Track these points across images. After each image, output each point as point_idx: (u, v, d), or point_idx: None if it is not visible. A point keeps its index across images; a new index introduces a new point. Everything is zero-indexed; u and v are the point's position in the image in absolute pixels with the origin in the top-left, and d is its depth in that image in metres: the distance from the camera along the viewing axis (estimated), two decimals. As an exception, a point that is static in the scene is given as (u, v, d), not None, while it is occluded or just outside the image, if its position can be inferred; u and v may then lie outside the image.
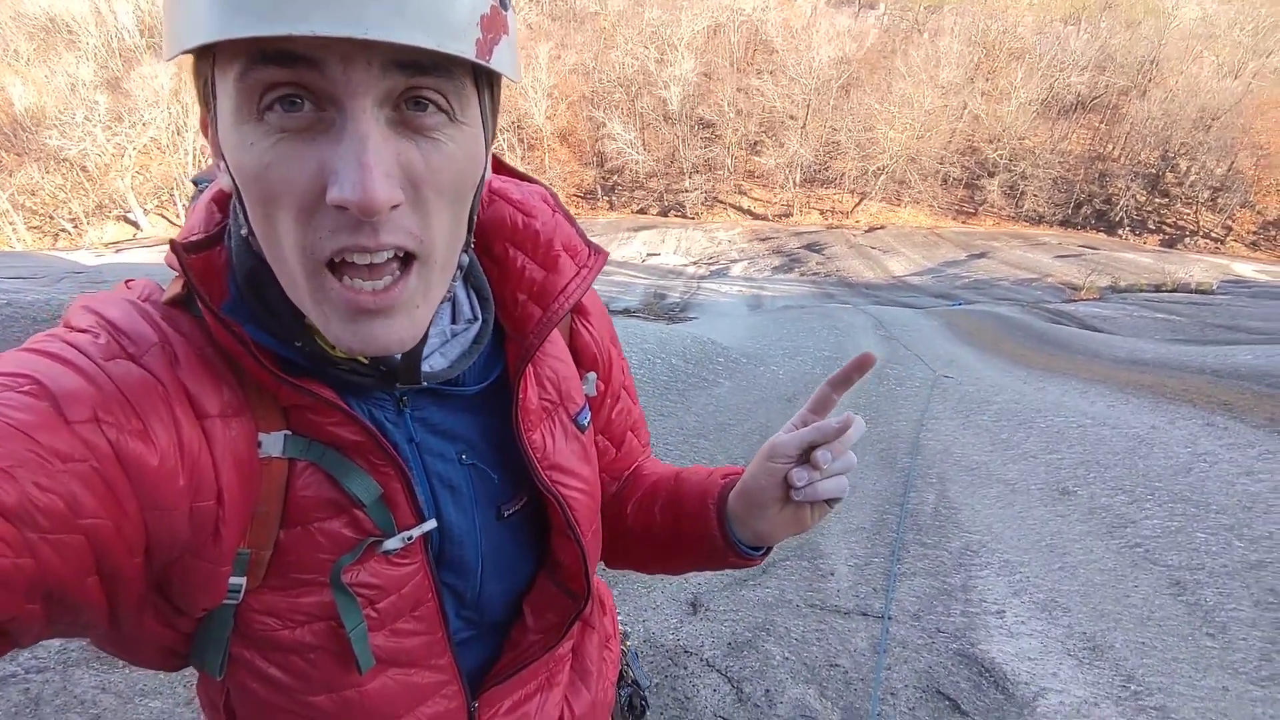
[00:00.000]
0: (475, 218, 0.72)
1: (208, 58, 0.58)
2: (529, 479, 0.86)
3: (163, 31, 0.59)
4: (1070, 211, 47.08)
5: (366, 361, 0.71)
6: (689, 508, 1.01)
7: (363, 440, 0.72)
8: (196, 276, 0.65)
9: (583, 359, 0.98)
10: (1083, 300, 23.93)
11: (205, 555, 0.67)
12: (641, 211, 51.04)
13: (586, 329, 0.99)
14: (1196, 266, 32.63)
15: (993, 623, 3.68)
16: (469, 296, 0.82)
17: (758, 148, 51.77)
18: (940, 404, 8.31)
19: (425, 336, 0.73)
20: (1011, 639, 3.53)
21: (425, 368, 0.75)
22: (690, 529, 1.00)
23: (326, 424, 0.71)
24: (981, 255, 37.10)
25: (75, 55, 51.61)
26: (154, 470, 0.59)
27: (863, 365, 0.89)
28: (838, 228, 46.27)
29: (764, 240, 41.82)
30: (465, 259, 0.74)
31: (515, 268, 0.84)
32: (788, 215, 49.23)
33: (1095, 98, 51.98)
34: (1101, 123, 51.67)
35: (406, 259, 0.62)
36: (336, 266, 0.60)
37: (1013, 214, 47.45)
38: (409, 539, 0.76)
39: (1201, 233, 45.06)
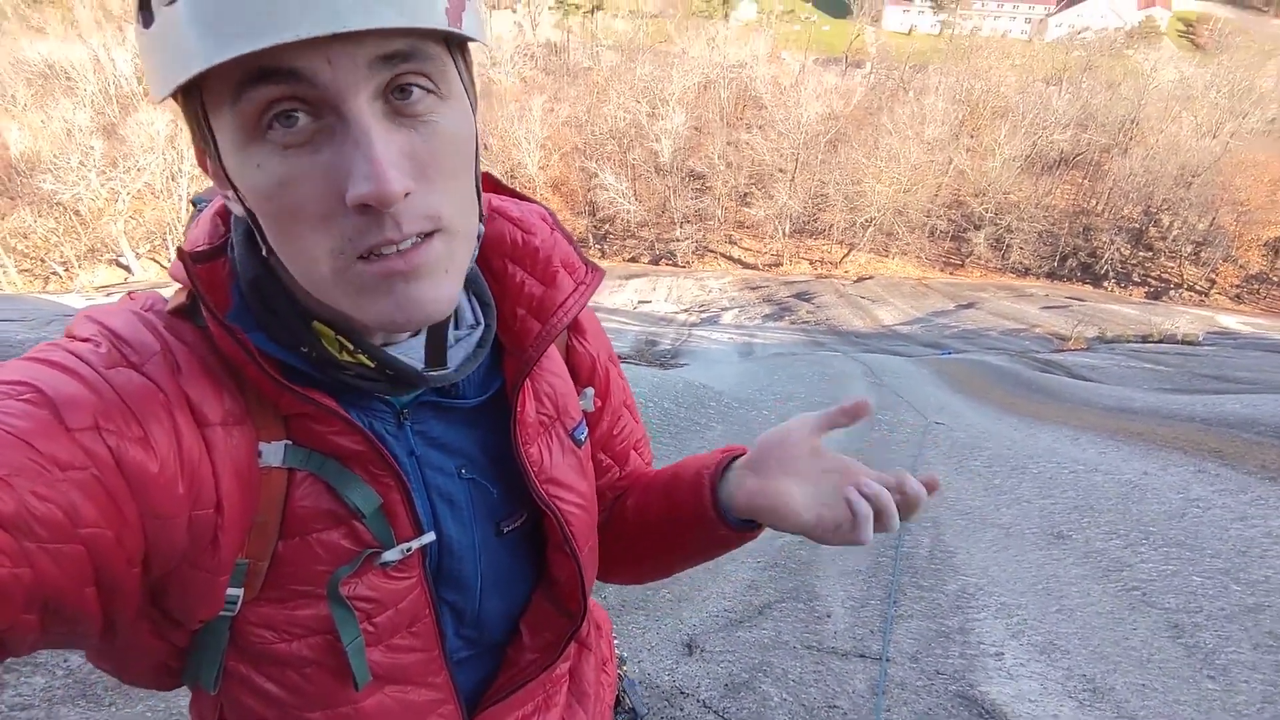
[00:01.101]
0: (480, 186, 0.72)
1: (196, 94, 0.59)
2: (527, 494, 0.86)
3: (146, 74, 0.60)
4: (1056, 264, 47.66)
5: (372, 365, 0.70)
6: (684, 478, 0.99)
7: (363, 450, 0.72)
8: (203, 285, 0.66)
9: (579, 375, 0.99)
10: (1071, 350, 24.11)
11: (203, 565, 0.66)
12: (633, 260, 51.39)
13: (583, 345, 1.00)
14: (1182, 318, 32.96)
15: (992, 664, 3.63)
16: (470, 302, 0.82)
17: (747, 199, 52.31)
18: (932, 450, 8.32)
19: (448, 319, 0.74)
20: (1011, 681, 3.49)
21: (432, 371, 0.75)
22: (682, 500, 0.98)
23: (328, 433, 0.71)
24: (970, 305, 37.44)
25: (73, 101, 51.98)
26: (154, 478, 0.59)
27: (854, 413, 0.91)
28: (827, 277, 46.67)
29: (754, 289, 42.14)
30: (482, 228, 0.75)
31: (514, 283, 0.85)
32: (777, 265, 49.64)
33: (1078, 154, 53.00)
34: (1085, 178, 52.60)
35: (429, 233, 0.63)
36: (368, 260, 0.60)
37: (999, 266, 48.02)
38: (408, 551, 0.76)
39: (1186, 285, 45.67)
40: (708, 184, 53.86)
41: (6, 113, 51.66)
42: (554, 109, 56.18)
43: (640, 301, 38.79)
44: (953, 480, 6.99)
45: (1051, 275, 47.27)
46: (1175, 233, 47.55)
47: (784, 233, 50.20)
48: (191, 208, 0.84)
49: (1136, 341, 25.74)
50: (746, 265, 50.00)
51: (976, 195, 50.34)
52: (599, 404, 1.02)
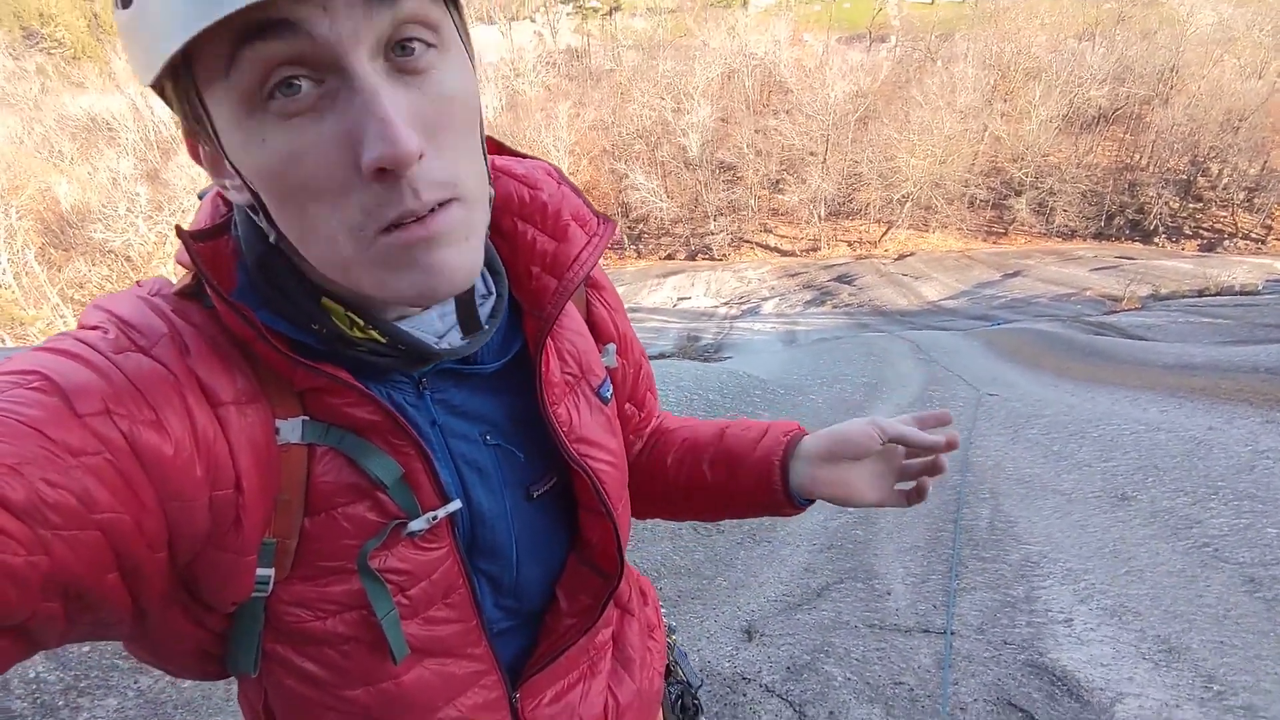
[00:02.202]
0: (485, 147, 0.71)
1: (187, 74, 0.57)
2: (555, 456, 0.86)
3: (132, 60, 0.58)
4: (1103, 224, 46.34)
5: (384, 340, 0.70)
6: (748, 464, 1.09)
7: (380, 420, 0.71)
8: (205, 263, 0.66)
9: (600, 332, 0.99)
10: (1124, 311, 23.46)
11: (228, 546, 0.66)
12: (669, 257, 51.25)
13: (602, 303, 1.00)
14: (1239, 268, 31.88)
15: (1061, 631, 3.55)
16: (481, 272, 0.81)
17: (780, 186, 51.91)
18: (986, 421, 8.17)
19: (474, 290, 0.75)
20: (1082, 646, 3.41)
21: (444, 344, 0.74)
22: (747, 484, 1.09)
23: (343, 405, 0.71)
24: (1016, 274, 36.63)
25: (115, 151, 53.67)
26: (170, 460, 0.59)
27: (935, 421, 1.04)
28: (867, 258, 46.02)
29: (793, 276, 41.75)
30: (492, 191, 0.75)
31: (526, 241, 0.85)
32: (815, 249, 49.11)
33: (1117, 109, 51.40)
34: (1126, 133, 51.02)
35: (446, 200, 0.62)
36: (389, 231, 0.60)
37: (1044, 230, 46.83)
38: (434, 519, 0.75)
39: (1240, 234, 44.05)
40: (738, 174, 53.52)
41: (56, 168, 53.42)
42: (579, 114, 56.36)
43: (680, 298, 38.64)
44: (1009, 450, 6.86)
45: (1099, 235, 45.97)
46: (1225, 180, 45.87)
47: (819, 216, 49.66)
48: (199, 200, 0.85)
49: (1193, 296, 24.92)
50: (784, 253, 49.55)
51: (1015, 160, 49.17)
52: (621, 360, 1.03)
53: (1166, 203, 45.73)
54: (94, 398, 0.57)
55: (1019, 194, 47.81)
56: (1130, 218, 46.55)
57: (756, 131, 54.04)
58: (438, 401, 0.79)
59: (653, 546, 4.60)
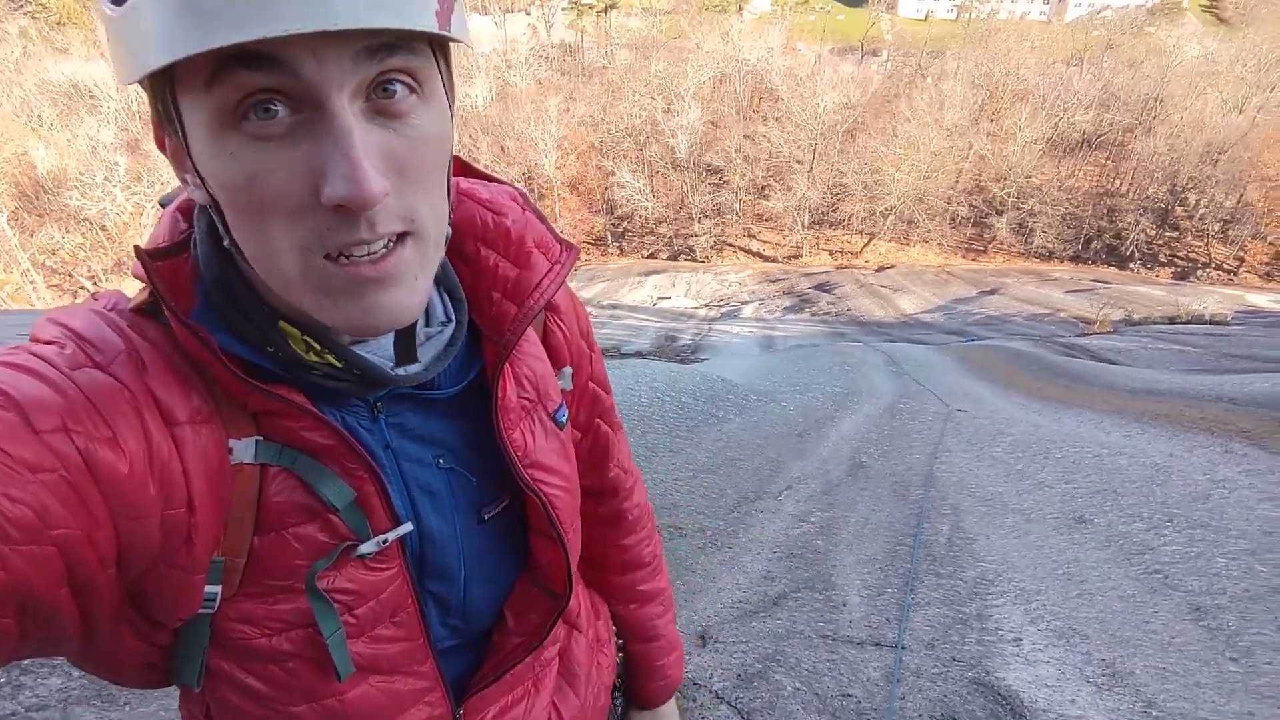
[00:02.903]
0: (451, 187, 0.72)
1: (164, 77, 0.57)
2: (508, 479, 0.86)
3: (113, 57, 0.58)
4: (1080, 247, 46.95)
5: (340, 365, 0.71)
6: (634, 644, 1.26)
7: (334, 444, 0.72)
8: (163, 283, 0.65)
9: (556, 356, 0.99)
10: (1096, 334, 23.74)
11: (178, 564, 0.66)
12: (652, 256, 51.28)
13: (560, 327, 1.00)
14: (1210, 298, 32.43)
15: (1009, 650, 3.60)
16: (441, 299, 0.82)
17: (765, 192, 52.03)
18: (954, 437, 8.24)
19: (418, 321, 0.74)
20: (1029, 666, 3.46)
21: (400, 371, 0.75)
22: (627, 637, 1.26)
23: (297, 429, 0.71)
24: (993, 292, 37.01)
25: (96, 119, 52.89)
26: (124, 478, 0.59)
27: None
28: (847, 268, 46.33)
29: (774, 282, 41.92)
30: (449, 230, 0.74)
31: (488, 266, 0.85)
32: (797, 256, 49.33)
33: (1101, 135, 52.17)
34: (1108, 159, 51.74)
35: (400, 237, 0.63)
36: (336, 261, 0.60)
37: (1023, 250, 47.35)
38: (384, 543, 0.76)
39: (1214, 265, 44.81)
40: (725, 178, 53.63)
41: (34, 132, 52.60)
42: (569, 109, 56.19)
43: (660, 298, 38.64)
44: (973, 468, 6.93)
45: (1076, 259, 46.57)
46: (1202, 211, 46.61)
47: (803, 224, 49.87)
48: (160, 209, 0.84)
49: (1164, 323, 25.26)
50: (766, 258, 49.72)
51: (998, 180, 49.71)
52: (577, 382, 1.03)
53: (1144, 230, 46.40)
54: (52, 414, 0.57)
55: (1000, 213, 48.32)
56: (1108, 243, 47.22)
57: (745, 137, 54.25)
58: (392, 425, 0.79)
59: (614, 548, 4.59)
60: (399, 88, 0.59)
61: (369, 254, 0.60)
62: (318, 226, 0.58)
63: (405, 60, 0.58)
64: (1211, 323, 24.49)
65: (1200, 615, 3.97)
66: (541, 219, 0.90)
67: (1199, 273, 43.91)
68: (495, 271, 0.84)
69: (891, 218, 48.50)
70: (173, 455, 0.64)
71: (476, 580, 0.88)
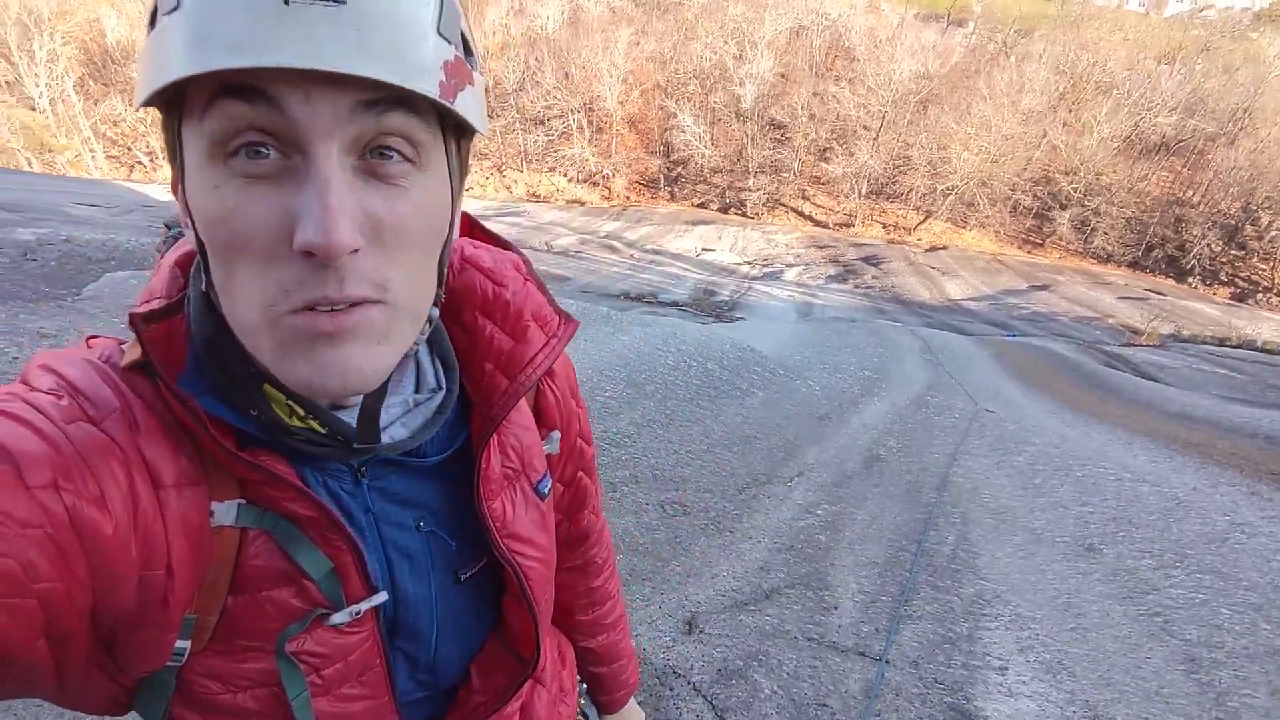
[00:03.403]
0: (445, 273, 0.72)
1: (175, 111, 0.58)
2: (486, 542, 0.85)
3: (137, 80, 0.59)
4: (1140, 253, 45.73)
5: (323, 430, 0.69)
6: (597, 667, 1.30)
7: (316, 516, 0.71)
8: (154, 349, 0.65)
9: (545, 419, 0.99)
10: (1142, 345, 23.33)
11: (152, 622, 0.66)
12: (702, 206, 50.87)
13: (551, 390, 0.99)
14: (1266, 324, 31.58)
15: (993, 679, 3.58)
16: (434, 365, 0.82)
17: (827, 154, 51.18)
18: (977, 439, 8.15)
19: (385, 391, 0.72)
20: (1009, 699, 3.44)
21: (386, 438, 0.74)
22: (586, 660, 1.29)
23: (280, 498, 0.70)
24: (1043, 288, 36.33)
25: (170, -6, 52.86)
26: (108, 539, 0.59)
27: None
28: (898, 243, 45.62)
29: (822, 248, 41.43)
30: (435, 313, 0.74)
31: (484, 336, 0.84)
32: (849, 225, 48.65)
33: (1181, 141, 50.28)
34: (1184, 167, 50.02)
35: (370, 301, 0.61)
36: (297, 311, 0.59)
37: (1080, 249, 46.27)
38: (357, 614, 0.75)
39: (1276, 290, 43.53)
40: (787, 135, 52.74)
41: (108, 1, 52.73)
42: (639, 43, 55.32)
43: (704, 249, 38.44)
44: (991, 476, 6.85)
45: (1134, 265, 45.43)
46: (1274, 233, 45.11)
47: (860, 193, 49.11)
48: (164, 230, 0.83)
49: (1213, 343, 24.73)
50: (817, 223, 49.10)
51: (1067, 173, 48.36)
52: (564, 445, 1.03)
53: (1209, 244, 45.04)
54: (44, 470, 0.56)
55: (1064, 208, 47.13)
56: (1169, 253, 45.93)
57: (814, 94, 53.07)
58: (374, 489, 0.78)
59: (616, 519, 4.63)
60: (395, 154, 0.59)
61: (330, 309, 0.59)
62: (283, 279, 0.57)
63: (405, 121, 0.58)
64: (1262, 350, 23.86)
65: (1194, 668, 3.92)
66: (542, 289, 0.89)
67: (1259, 296, 42.67)
68: (491, 343, 0.84)
69: (952, 198, 47.52)
70: (156, 518, 0.63)
71: (447, 639, 0.87)
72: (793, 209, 50.71)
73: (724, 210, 50.24)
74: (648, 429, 6.47)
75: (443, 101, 0.59)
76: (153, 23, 0.57)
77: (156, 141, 47.20)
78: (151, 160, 47.18)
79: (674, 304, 25.19)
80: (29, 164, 42.76)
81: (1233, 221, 46.28)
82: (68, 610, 0.58)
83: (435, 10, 0.58)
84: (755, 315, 24.86)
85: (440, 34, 0.58)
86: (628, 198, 52.38)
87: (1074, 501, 6.29)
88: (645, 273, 31.33)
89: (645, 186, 53.28)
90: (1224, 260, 45.59)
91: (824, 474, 6.28)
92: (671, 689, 3.18)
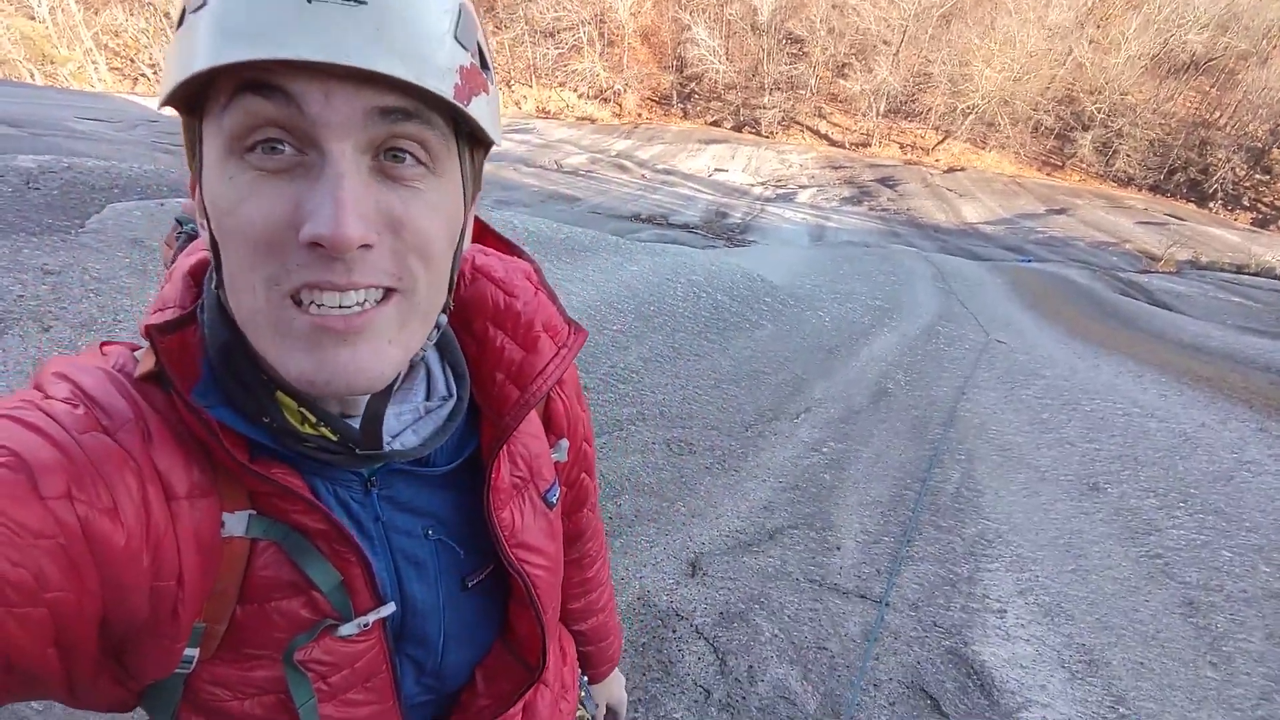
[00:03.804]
0: (455, 281, 0.73)
1: (197, 111, 0.60)
2: (494, 550, 0.86)
3: (162, 77, 0.61)
4: (1162, 177, 44.74)
5: (335, 438, 0.70)
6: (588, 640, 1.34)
7: (325, 528, 0.72)
8: (169, 360, 0.65)
9: (554, 426, 1.00)
10: (1158, 272, 23.04)
11: (162, 632, 0.67)
12: (715, 124, 49.84)
13: (561, 398, 1.01)
14: (1287, 252, 31.03)
15: (991, 622, 3.65)
16: (445, 373, 0.82)
17: (845, 70, 49.82)
18: (986, 371, 8.13)
19: (389, 395, 0.72)
20: (1007, 642, 3.51)
21: (396, 445, 0.75)
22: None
23: (290, 510, 0.71)
24: (1061, 211, 35.69)
25: (169, -102, 51.15)
26: (120, 550, 0.60)
27: None
28: (915, 164, 44.73)
29: (837, 169, 40.70)
30: (443, 320, 0.75)
31: (495, 347, 0.85)
32: (866, 145, 47.69)
33: (1211, 59, 48.58)
34: (1213, 87, 48.45)
35: (385, 296, 0.62)
36: (304, 306, 0.59)
37: (1101, 172, 45.29)
38: (365, 625, 0.76)
39: (1300, 216, 42.68)
40: (805, 49, 51.27)
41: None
42: (654, -50, 53.39)
43: (716, 169, 37.78)
44: (999, 410, 6.85)
45: (1155, 188, 44.50)
46: (1303, 157, 44.03)
47: (878, 111, 47.99)
48: (177, 226, 0.82)
49: (1230, 270, 24.38)
50: (833, 142, 48.13)
51: (1091, 93, 47.02)
52: (571, 452, 1.05)
53: (1233, 168, 44.01)
54: (58, 480, 0.57)
55: (1086, 129, 45.98)
56: (1192, 176, 44.93)
57: (834, 7, 51.34)
58: (384, 498, 0.79)
59: (622, 459, 4.67)
60: (409, 157, 0.60)
61: (340, 306, 0.59)
62: (290, 261, 0.58)
63: (419, 129, 0.60)
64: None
65: (1191, 611, 3.97)
66: (553, 298, 0.90)
67: (1281, 222, 41.86)
68: (501, 353, 0.84)
69: (972, 117, 46.41)
70: (168, 529, 0.64)
71: (454, 644, 0.89)
72: (808, 128, 49.65)
73: (738, 129, 49.24)
74: (655, 364, 6.46)
75: (456, 103, 0.60)
76: (180, 23, 0.58)
77: (160, 54, 46.32)
78: (155, 73, 46.29)
79: (685, 226, 24.91)
80: (31, 76, 42.06)
81: (1259, 145, 45.07)
82: (77, 619, 0.59)
83: (454, 17, 0.60)
84: (767, 239, 24.60)
85: (457, 40, 0.60)
86: (639, 115, 51.28)
87: (1081, 438, 6.30)
88: (656, 193, 30.91)
89: (657, 103, 52.16)
90: (1248, 185, 44.61)
91: (831, 409, 6.29)
92: (674, 631, 3.24)
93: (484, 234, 0.94)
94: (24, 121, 13.58)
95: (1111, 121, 45.64)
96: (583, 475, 1.14)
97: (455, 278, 0.73)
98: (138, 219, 5.48)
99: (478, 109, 0.63)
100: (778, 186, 36.35)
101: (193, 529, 0.66)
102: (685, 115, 50.90)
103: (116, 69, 46.52)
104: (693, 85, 52.18)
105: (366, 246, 0.58)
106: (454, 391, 0.82)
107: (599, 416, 5.20)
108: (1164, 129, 45.87)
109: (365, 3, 0.54)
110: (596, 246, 9.30)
